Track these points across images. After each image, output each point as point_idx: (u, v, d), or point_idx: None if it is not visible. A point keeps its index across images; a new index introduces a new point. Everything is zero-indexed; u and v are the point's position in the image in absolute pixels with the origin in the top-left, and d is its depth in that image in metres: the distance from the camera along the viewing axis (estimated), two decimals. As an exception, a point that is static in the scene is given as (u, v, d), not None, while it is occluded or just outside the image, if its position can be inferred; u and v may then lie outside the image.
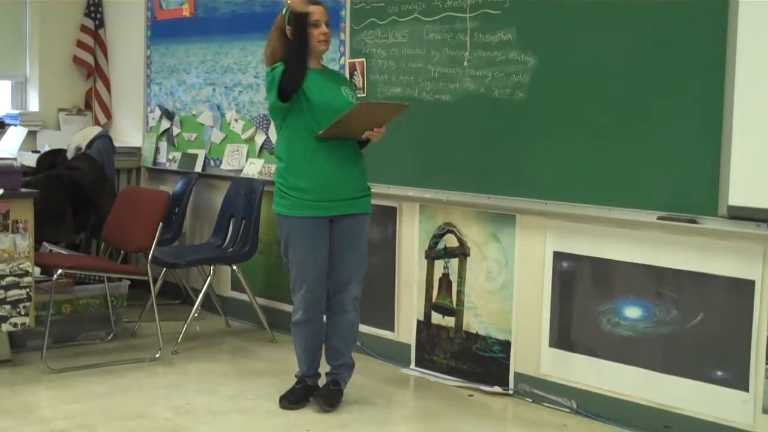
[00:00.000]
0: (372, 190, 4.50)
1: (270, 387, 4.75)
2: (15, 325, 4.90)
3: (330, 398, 4.45)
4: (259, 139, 6.04)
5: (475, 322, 4.91)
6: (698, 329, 4.07)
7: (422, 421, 4.48)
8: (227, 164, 6.26)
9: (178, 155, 6.69)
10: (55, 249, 5.90)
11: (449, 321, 5.03)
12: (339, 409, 4.46)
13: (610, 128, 4.25)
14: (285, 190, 4.32)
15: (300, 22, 4.16)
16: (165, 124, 6.83)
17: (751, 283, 3.89)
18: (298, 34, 4.18)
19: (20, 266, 4.89)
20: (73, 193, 5.99)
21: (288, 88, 4.18)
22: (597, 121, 4.29)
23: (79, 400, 4.55)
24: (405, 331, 5.27)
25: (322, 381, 4.56)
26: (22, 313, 4.91)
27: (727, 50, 3.81)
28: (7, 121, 7.05)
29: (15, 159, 6.03)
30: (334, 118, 4.12)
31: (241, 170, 6.12)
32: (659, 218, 4.08)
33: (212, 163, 6.44)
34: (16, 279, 4.87)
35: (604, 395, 4.40)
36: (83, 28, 7.27)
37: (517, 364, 4.75)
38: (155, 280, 5.59)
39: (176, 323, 5.68)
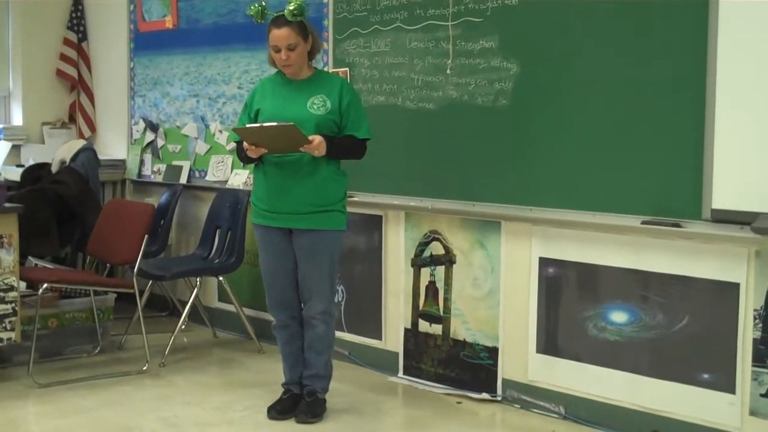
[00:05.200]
0: (352, 200, 4.48)
1: (258, 398, 4.74)
2: (1, 340, 4.88)
3: (308, 410, 4.44)
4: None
5: (462, 329, 4.92)
6: (684, 332, 4.09)
7: (411, 429, 4.48)
8: (212, 175, 6.26)
9: (162, 167, 6.69)
10: (41, 263, 5.87)
11: (436, 328, 5.03)
12: (327, 418, 4.46)
13: (594, 134, 4.26)
14: (252, 198, 4.53)
15: (241, 149, 4.35)
16: (149, 136, 6.82)
17: (735, 286, 3.91)
18: (242, 155, 4.38)
19: (5, 281, 4.87)
20: (57, 207, 5.97)
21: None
22: (580, 126, 4.31)
23: (66, 414, 4.54)
24: (392, 340, 5.27)
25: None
26: (8, 328, 4.89)
27: (708, 54, 3.83)
28: (-10, 135, 7.04)
29: (-1, 173, 6.02)
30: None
31: (226, 181, 6.12)
32: (644, 222, 4.09)
33: (197, 174, 6.43)
34: (1, 294, 4.85)
35: (592, 400, 4.41)
36: (66, 41, 7.26)
37: (504, 370, 4.75)
38: (141, 293, 5.57)
39: (163, 335, 5.68)
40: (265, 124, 4.16)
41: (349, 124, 4.34)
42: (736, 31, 3.75)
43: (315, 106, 4.30)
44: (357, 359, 5.40)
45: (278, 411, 4.48)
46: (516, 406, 4.69)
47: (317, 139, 4.18)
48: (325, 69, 5.36)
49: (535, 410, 4.61)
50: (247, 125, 4.29)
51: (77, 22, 7.27)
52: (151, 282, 6.08)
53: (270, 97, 4.40)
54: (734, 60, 3.76)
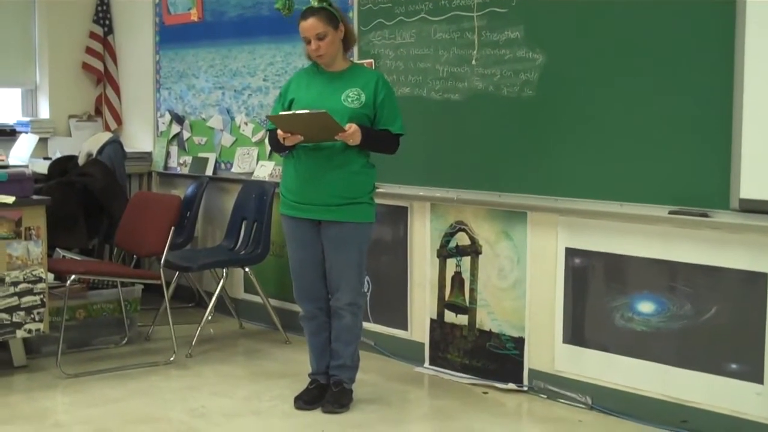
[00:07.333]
0: (378, 192, 4.46)
1: (285, 388, 4.76)
2: (30, 331, 4.93)
3: (335, 400, 4.46)
4: (269, 141, 6.05)
5: (488, 319, 4.92)
6: (712, 323, 4.07)
7: (437, 419, 4.48)
8: (238, 167, 6.28)
9: (188, 159, 6.72)
10: (68, 255, 5.92)
11: (462, 319, 5.03)
12: (353, 408, 4.47)
13: (620, 123, 4.24)
14: (280, 189, 4.53)
15: (273, 137, 4.35)
16: (175, 128, 6.86)
17: (763, 276, 3.88)
18: (274, 143, 4.44)
19: (34, 273, 4.91)
20: (85, 199, 6.02)
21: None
22: (606, 116, 4.29)
23: (94, 404, 4.57)
24: (418, 330, 5.28)
25: (336, 381, 4.58)
26: (37, 319, 4.93)
27: (735, 43, 3.80)
28: (18, 128, 7.08)
29: (26, 166, 6.06)
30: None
31: (252, 173, 6.14)
32: (671, 212, 4.07)
33: (223, 166, 6.46)
34: (30, 285, 4.90)
35: (619, 390, 4.39)
36: (92, 35, 7.30)
37: (531, 360, 4.75)
38: (168, 284, 5.60)
39: (190, 326, 5.70)
40: (298, 112, 4.17)
41: (384, 119, 4.34)
42: (764, 19, 3.72)
43: (349, 99, 4.30)
44: (383, 350, 5.41)
45: (305, 401, 4.50)
46: (542, 396, 4.68)
47: (352, 127, 4.18)
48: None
49: (561, 400, 4.60)
50: (281, 113, 4.30)
51: (103, 15, 7.31)
52: (177, 273, 6.12)
53: (305, 88, 4.40)
54: (762, 47, 3.73)
